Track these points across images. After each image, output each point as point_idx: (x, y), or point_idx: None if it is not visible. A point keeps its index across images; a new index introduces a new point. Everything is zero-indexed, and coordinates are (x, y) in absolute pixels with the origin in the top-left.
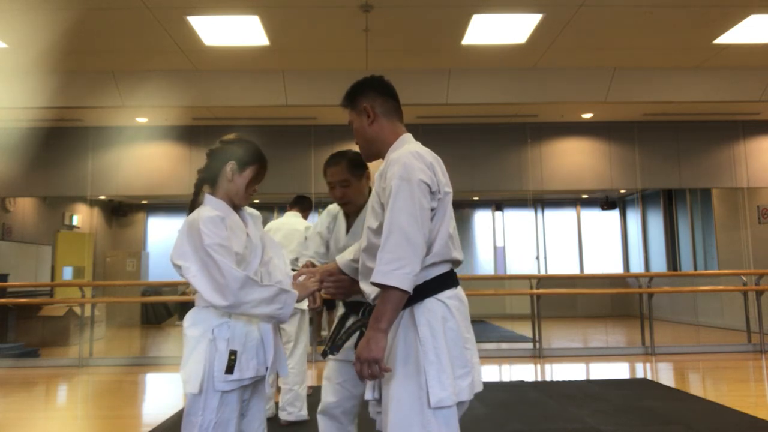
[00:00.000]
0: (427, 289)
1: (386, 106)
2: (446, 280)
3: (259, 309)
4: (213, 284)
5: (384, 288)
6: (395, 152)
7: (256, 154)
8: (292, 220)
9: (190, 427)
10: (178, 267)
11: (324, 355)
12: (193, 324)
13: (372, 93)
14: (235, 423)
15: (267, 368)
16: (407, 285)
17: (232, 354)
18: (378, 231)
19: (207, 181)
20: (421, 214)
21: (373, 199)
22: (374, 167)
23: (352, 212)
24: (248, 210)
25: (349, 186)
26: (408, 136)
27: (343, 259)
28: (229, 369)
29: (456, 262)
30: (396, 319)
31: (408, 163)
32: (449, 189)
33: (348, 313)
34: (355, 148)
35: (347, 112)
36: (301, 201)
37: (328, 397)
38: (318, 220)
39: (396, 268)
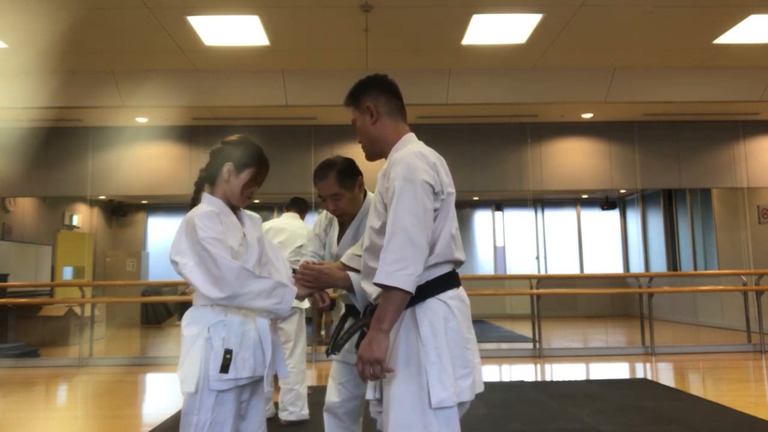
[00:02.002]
0: (429, 290)
1: (390, 105)
2: (448, 281)
3: (256, 302)
4: (209, 277)
5: (386, 288)
6: (398, 152)
7: (255, 156)
8: (293, 222)
9: (187, 427)
10: (175, 263)
11: (327, 354)
12: (189, 323)
13: (375, 92)
14: (232, 423)
15: (266, 368)
16: (410, 286)
17: (228, 353)
18: (380, 231)
19: (207, 180)
20: (424, 214)
21: (376, 198)
22: (376, 166)
23: (348, 221)
24: (247, 212)
25: (342, 198)
26: (411, 136)
27: (347, 254)
28: (224, 368)
29: (458, 263)
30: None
31: (411, 164)
32: (452, 189)
33: (348, 314)
34: (359, 147)
35: (350, 110)
36: (299, 203)
37: (331, 396)
38: (316, 221)
39: (399, 269)
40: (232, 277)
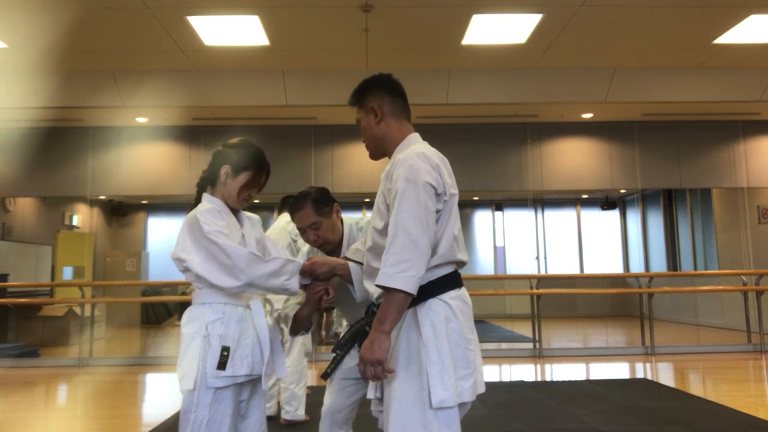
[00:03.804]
0: (430, 290)
1: (394, 105)
2: (450, 281)
3: (270, 282)
4: (221, 268)
5: (388, 290)
6: (402, 153)
7: (253, 160)
8: (278, 222)
9: (185, 424)
10: (180, 261)
11: (324, 377)
12: (188, 322)
13: (380, 92)
14: (230, 422)
15: (264, 366)
16: (412, 287)
17: (225, 350)
18: (383, 231)
19: (207, 181)
20: (426, 216)
21: (378, 199)
22: (380, 166)
23: (331, 251)
24: (247, 214)
25: (320, 227)
26: (415, 136)
27: (351, 249)
28: (222, 365)
29: (460, 263)
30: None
31: (414, 165)
32: (455, 191)
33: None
34: (359, 147)
35: (354, 110)
36: (287, 201)
37: (327, 401)
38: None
39: (401, 271)
40: (243, 264)
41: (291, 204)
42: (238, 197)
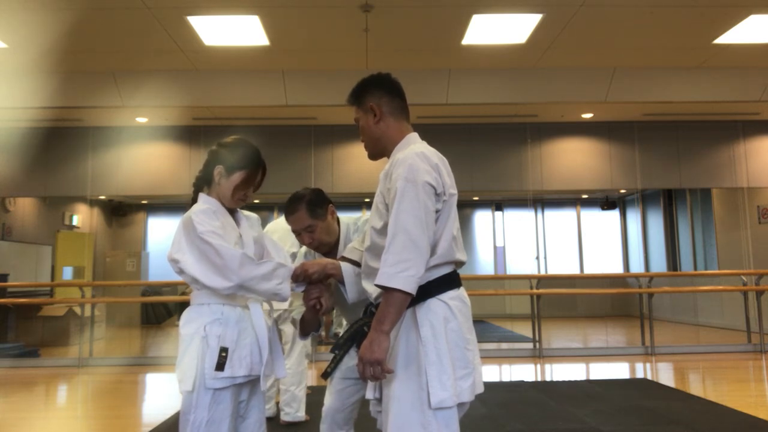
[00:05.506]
0: (429, 290)
1: (393, 104)
2: (449, 281)
3: (262, 285)
4: (212, 268)
5: (388, 290)
6: (401, 152)
7: (247, 159)
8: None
9: (185, 425)
10: (175, 262)
11: (324, 376)
12: (186, 322)
13: (379, 91)
14: (229, 423)
15: (263, 366)
16: (411, 287)
17: (223, 351)
18: (382, 231)
19: (203, 181)
20: (426, 216)
21: (377, 198)
22: (380, 166)
23: (327, 252)
24: (245, 213)
25: (315, 230)
26: (414, 136)
27: (348, 248)
28: (220, 366)
29: (459, 263)
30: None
31: (413, 165)
32: (454, 191)
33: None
34: (359, 147)
35: (353, 109)
36: None
37: (327, 402)
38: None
39: (400, 271)
40: (235, 265)
41: (286, 206)
42: (232, 197)
